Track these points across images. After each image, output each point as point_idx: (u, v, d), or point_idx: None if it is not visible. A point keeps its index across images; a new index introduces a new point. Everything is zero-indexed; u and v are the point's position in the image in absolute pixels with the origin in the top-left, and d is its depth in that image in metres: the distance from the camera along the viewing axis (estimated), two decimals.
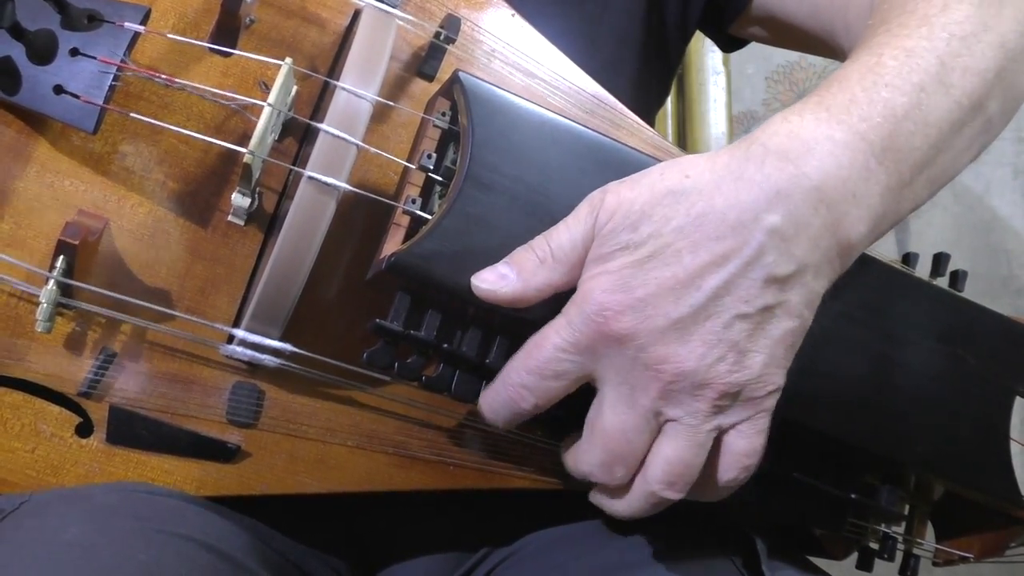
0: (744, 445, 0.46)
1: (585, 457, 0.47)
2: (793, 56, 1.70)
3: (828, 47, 0.71)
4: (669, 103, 1.12)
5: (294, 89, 0.53)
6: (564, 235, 0.46)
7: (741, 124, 1.73)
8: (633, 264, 0.44)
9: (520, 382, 0.46)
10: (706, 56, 1.11)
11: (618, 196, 0.45)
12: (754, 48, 0.81)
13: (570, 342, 0.45)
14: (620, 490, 0.48)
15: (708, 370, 0.44)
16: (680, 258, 0.43)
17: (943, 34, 0.49)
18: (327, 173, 0.47)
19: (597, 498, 0.51)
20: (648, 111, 0.79)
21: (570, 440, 0.50)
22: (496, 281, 0.46)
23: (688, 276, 0.43)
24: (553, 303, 0.47)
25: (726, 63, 1.12)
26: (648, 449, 0.46)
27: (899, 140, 0.46)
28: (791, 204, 0.43)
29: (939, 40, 0.49)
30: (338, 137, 0.47)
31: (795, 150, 0.44)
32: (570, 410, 0.50)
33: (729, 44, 0.81)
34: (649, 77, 0.76)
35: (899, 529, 0.64)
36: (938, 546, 0.64)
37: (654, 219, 0.44)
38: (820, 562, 0.61)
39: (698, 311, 0.43)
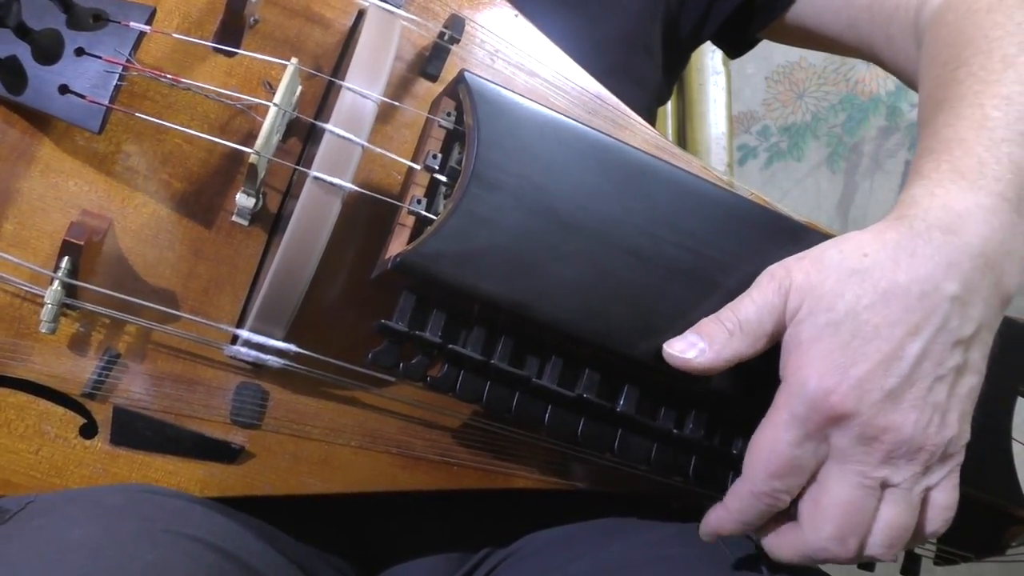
0: (945, 499, 0.49)
1: (817, 534, 0.48)
2: (793, 56, 1.70)
3: (860, 54, 0.73)
4: (669, 103, 1.12)
5: (299, 89, 0.53)
6: (750, 308, 0.48)
7: (741, 124, 1.73)
8: (840, 345, 0.46)
9: (772, 488, 0.48)
10: (706, 56, 1.11)
11: (807, 277, 0.48)
12: (754, 48, 0.81)
13: (802, 434, 0.47)
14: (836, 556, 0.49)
15: (922, 434, 0.47)
16: (879, 332, 0.46)
17: None
18: (332, 173, 0.47)
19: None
20: (650, 112, 0.79)
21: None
22: (688, 349, 0.49)
23: (892, 348, 0.46)
24: None
25: (726, 63, 1.12)
26: (874, 517, 0.48)
27: None
28: (963, 272, 0.47)
29: None
30: (343, 137, 0.47)
31: (954, 223, 0.48)
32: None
33: (736, 52, 0.81)
34: (654, 81, 0.76)
35: None
36: (939, 545, 0.64)
37: (847, 298, 0.47)
38: None
39: (905, 379, 0.46)
